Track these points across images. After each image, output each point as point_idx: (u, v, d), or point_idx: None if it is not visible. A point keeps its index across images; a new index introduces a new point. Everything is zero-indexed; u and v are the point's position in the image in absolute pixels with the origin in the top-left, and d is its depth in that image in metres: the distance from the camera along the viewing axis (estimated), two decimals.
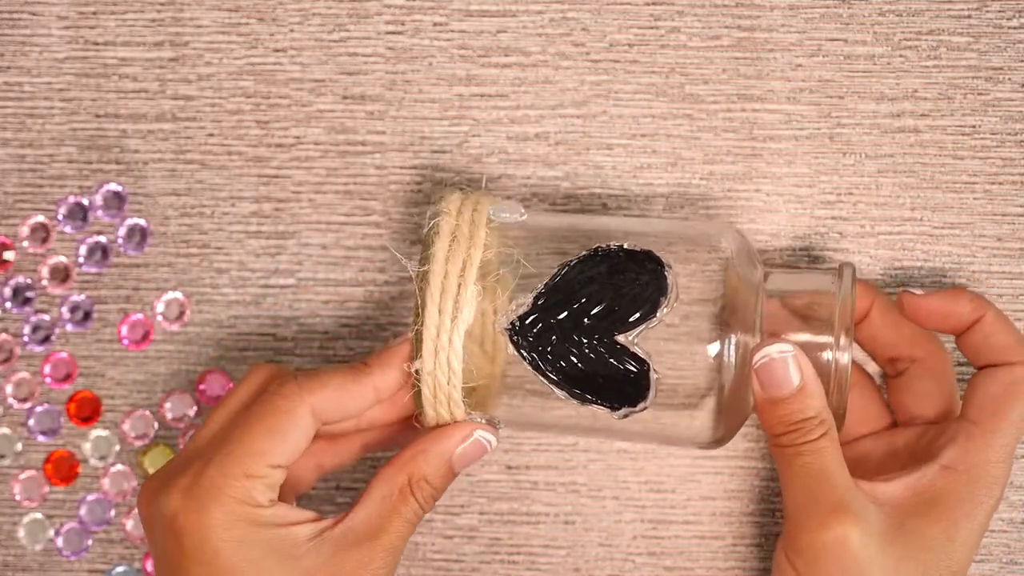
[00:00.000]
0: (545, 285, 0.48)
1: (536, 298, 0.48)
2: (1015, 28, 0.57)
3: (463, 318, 0.48)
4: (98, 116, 0.58)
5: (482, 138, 0.57)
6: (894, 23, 0.57)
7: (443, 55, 0.58)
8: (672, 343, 0.48)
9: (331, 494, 0.58)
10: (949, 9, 0.57)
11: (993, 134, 0.57)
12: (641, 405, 0.48)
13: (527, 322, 0.48)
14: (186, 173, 0.58)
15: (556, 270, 0.48)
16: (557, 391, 0.48)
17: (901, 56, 0.57)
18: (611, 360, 0.47)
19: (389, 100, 0.58)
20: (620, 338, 0.47)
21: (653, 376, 0.47)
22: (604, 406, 0.48)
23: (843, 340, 0.48)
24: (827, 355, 0.48)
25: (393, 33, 0.58)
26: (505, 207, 0.50)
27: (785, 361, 0.47)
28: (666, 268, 0.47)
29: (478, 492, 0.57)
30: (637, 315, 0.47)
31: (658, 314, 0.47)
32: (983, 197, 0.57)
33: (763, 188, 0.57)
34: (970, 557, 0.49)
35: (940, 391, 0.53)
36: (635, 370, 0.47)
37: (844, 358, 0.48)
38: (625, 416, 0.48)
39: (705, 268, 0.49)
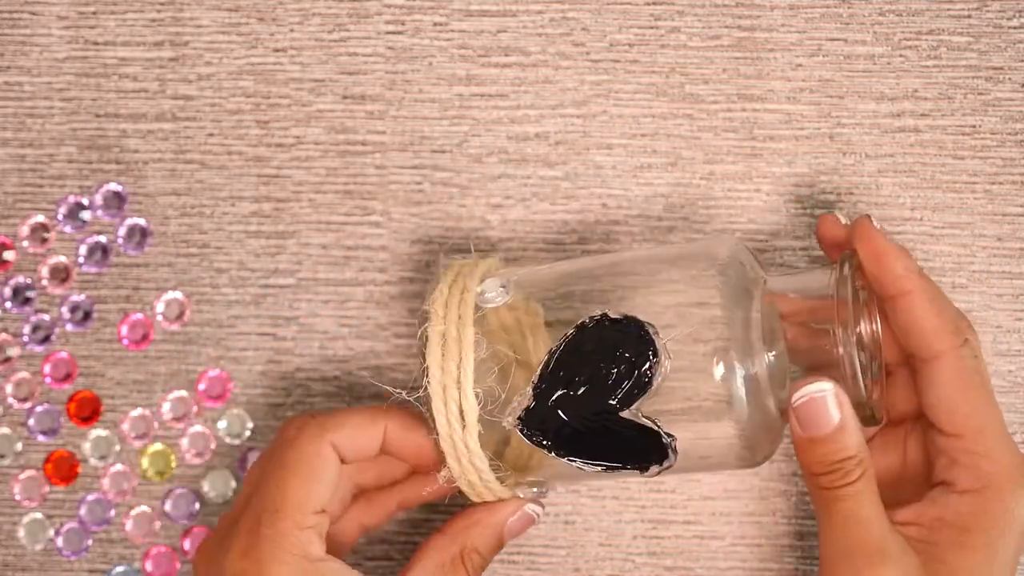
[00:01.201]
0: (539, 373, 0.48)
1: (534, 388, 0.48)
2: (1015, 28, 0.57)
3: (471, 421, 0.48)
4: (98, 116, 0.58)
5: (482, 138, 0.57)
6: (894, 23, 0.57)
7: (443, 55, 0.58)
8: (681, 372, 0.48)
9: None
10: (949, 9, 0.57)
11: (993, 134, 0.57)
12: (667, 463, 0.47)
13: (532, 413, 0.48)
14: (186, 173, 0.58)
15: (547, 355, 0.47)
16: (585, 467, 0.48)
17: (901, 56, 0.57)
18: (623, 432, 0.47)
19: (389, 100, 0.58)
20: (625, 413, 0.47)
21: (666, 440, 0.47)
22: (634, 470, 0.48)
23: (841, 334, 0.47)
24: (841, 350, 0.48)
25: (393, 33, 0.58)
26: (490, 288, 0.49)
27: (824, 400, 0.47)
28: (651, 332, 0.46)
29: None
30: (631, 390, 0.47)
31: (653, 385, 0.46)
32: (983, 197, 0.57)
33: (763, 188, 0.57)
34: (1014, 571, 0.49)
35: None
36: (648, 437, 0.47)
37: (851, 351, 0.47)
38: (657, 474, 0.48)
39: (702, 287, 0.49)
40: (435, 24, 0.58)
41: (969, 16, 0.57)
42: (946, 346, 0.49)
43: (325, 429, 0.49)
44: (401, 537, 0.57)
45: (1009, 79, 0.57)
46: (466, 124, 0.58)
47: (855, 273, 0.49)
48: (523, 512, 0.51)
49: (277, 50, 0.58)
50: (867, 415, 0.48)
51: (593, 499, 0.57)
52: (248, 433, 0.57)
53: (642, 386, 0.46)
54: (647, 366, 0.46)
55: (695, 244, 0.53)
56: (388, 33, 0.58)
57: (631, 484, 0.57)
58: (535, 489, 0.51)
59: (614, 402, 0.46)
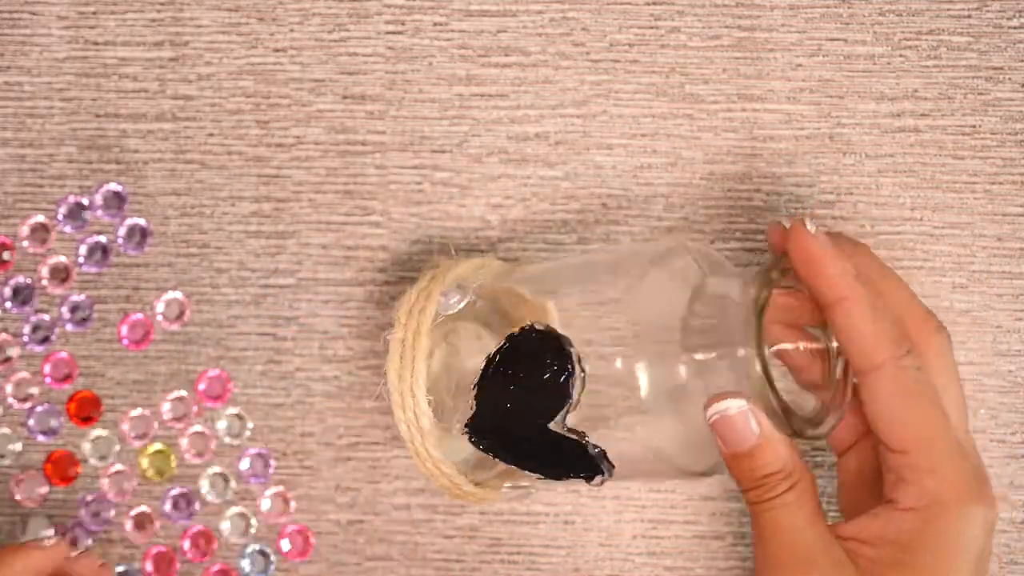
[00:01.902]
0: (478, 381, 0.48)
1: (475, 398, 0.48)
2: (1015, 28, 0.57)
3: (425, 427, 0.49)
4: (98, 116, 0.58)
5: (482, 138, 0.57)
6: (894, 23, 0.57)
7: (443, 55, 0.58)
8: (603, 379, 0.48)
9: (331, 494, 0.58)
10: (949, 9, 0.57)
11: (993, 134, 0.57)
12: (603, 476, 0.47)
13: (476, 422, 0.48)
14: (186, 173, 0.58)
15: (484, 362, 0.48)
16: (533, 474, 0.48)
17: (901, 56, 0.57)
18: (560, 442, 0.47)
19: (389, 100, 0.58)
20: (552, 425, 0.47)
21: (592, 451, 0.46)
22: (581, 478, 0.47)
23: (743, 352, 0.45)
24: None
25: (393, 33, 0.58)
26: (452, 294, 0.50)
27: (741, 415, 0.45)
28: (567, 344, 0.46)
29: None
30: (551, 403, 0.46)
31: (572, 398, 0.46)
32: (983, 197, 0.57)
33: (763, 188, 0.57)
34: None
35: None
36: (579, 450, 0.47)
37: (755, 367, 0.45)
38: (601, 484, 0.47)
39: (633, 287, 0.49)
40: (435, 24, 0.58)
41: (969, 16, 0.57)
42: (885, 356, 0.45)
43: None
44: (401, 537, 0.57)
45: (1009, 79, 0.57)
46: (466, 124, 0.58)
47: (780, 279, 0.47)
48: None
49: (277, 50, 0.58)
50: (792, 430, 0.46)
51: (593, 499, 0.57)
52: (248, 433, 0.57)
53: (561, 399, 0.46)
54: (563, 378, 0.46)
55: (646, 244, 0.53)
56: (388, 33, 0.58)
57: (631, 484, 0.57)
58: (522, 487, 0.51)
59: (539, 414, 0.47)
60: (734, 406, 0.45)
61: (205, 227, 0.58)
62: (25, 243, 0.58)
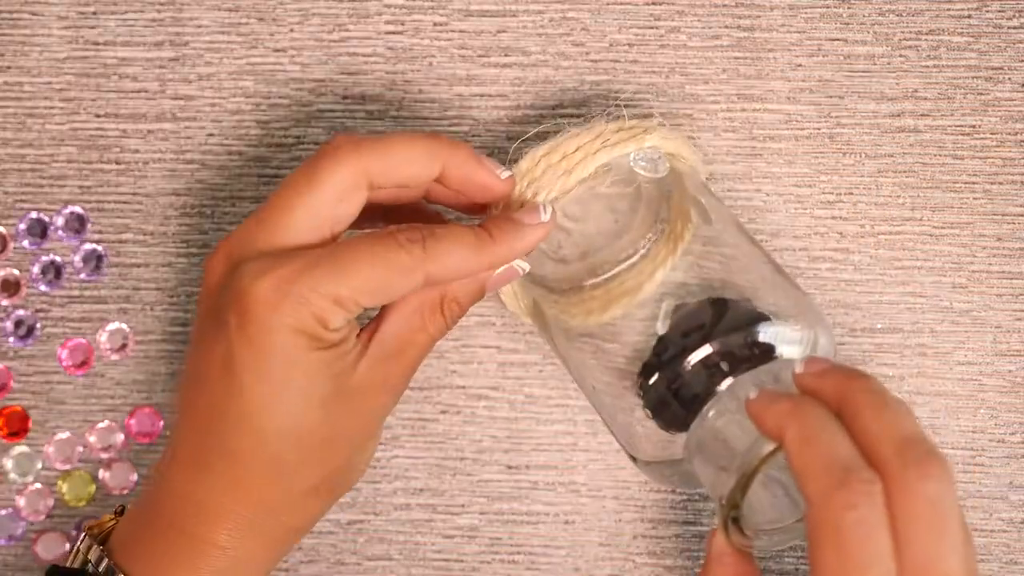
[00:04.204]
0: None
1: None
2: (1015, 28, 0.57)
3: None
4: (98, 116, 0.58)
5: (482, 138, 0.57)
6: (894, 23, 0.57)
7: (443, 55, 0.58)
8: None
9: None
10: (949, 9, 0.57)
11: (993, 134, 0.57)
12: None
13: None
14: (186, 173, 0.58)
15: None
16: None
17: (901, 56, 0.57)
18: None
19: (389, 100, 0.58)
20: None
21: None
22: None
23: (716, 507, 0.46)
24: None
25: (393, 33, 0.58)
26: (651, 156, 0.51)
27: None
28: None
29: (478, 492, 0.57)
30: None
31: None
32: (983, 197, 0.57)
33: (763, 188, 0.57)
34: None
35: None
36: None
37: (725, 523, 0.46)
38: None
39: None
40: (435, 24, 0.58)
41: (969, 16, 0.57)
42: (810, 492, 0.41)
43: (428, 255, 0.47)
44: (401, 537, 0.57)
45: (1009, 79, 0.57)
46: (466, 124, 0.58)
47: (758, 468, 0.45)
48: (510, 266, 0.49)
49: (277, 50, 0.58)
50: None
51: (593, 499, 0.57)
52: None
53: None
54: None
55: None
56: (388, 33, 0.58)
57: (631, 484, 0.57)
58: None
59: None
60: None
61: (205, 227, 0.58)
62: None
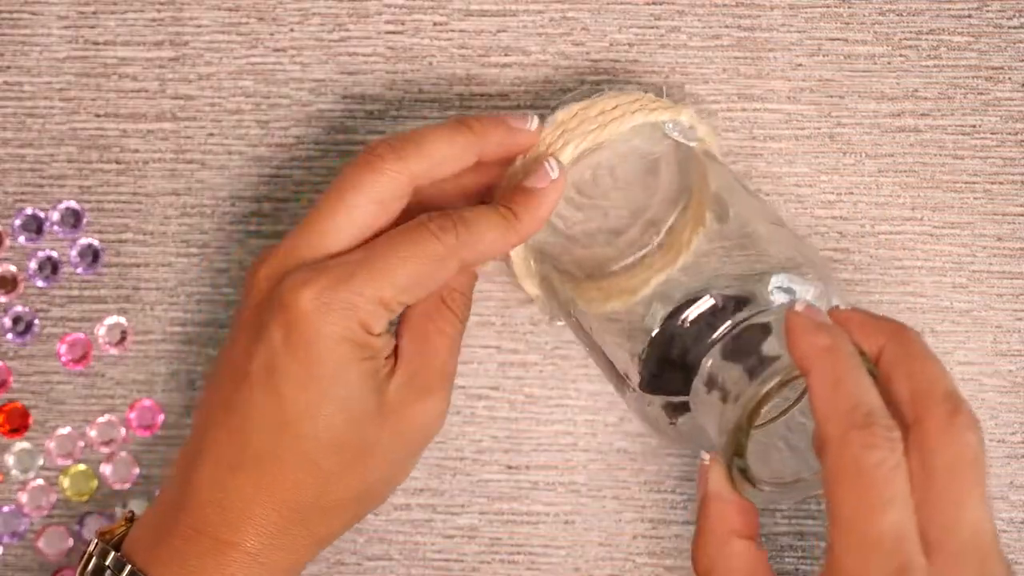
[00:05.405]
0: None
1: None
2: (1015, 28, 0.57)
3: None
4: (98, 116, 0.58)
5: None
6: (894, 23, 0.57)
7: (443, 55, 0.58)
8: None
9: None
10: (949, 9, 0.57)
11: (993, 134, 0.57)
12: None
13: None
14: (186, 173, 0.58)
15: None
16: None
17: (901, 56, 0.57)
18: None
19: (389, 100, 0.58)
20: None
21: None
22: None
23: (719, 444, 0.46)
24: None
25: (393, 33, 0.58)
26: (684, 126, 0.51)
27: (708, 468, 0.46)
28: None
29: (478, 492, 0.57)
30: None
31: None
32: (983, 197, 0.57)
33: (763, 188, 0.57)
34: None
35: None
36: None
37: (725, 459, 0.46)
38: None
39: None
40: (435, 24, 0.58)
41: (969, 16, 0.57)
42: (832, 432, 0.41)
43: (460, 241, 0.47)
44: (401, 537, 0.57)
45: (1009, 79, 0.57)
46: None
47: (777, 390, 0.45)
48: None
49: (277, 50, 0.58)
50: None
51: (593, 499, 0.57)
52: None
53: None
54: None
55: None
56: (388, 33, 0.58)
57: (631, 484, 0.57)
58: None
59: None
60: (705, 457, 0.46)
61: (205, 227, 0.58)
62: None
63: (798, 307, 0.44)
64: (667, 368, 0.48)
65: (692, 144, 0.51)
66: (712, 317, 0.47)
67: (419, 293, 0.48)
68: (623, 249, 0.49)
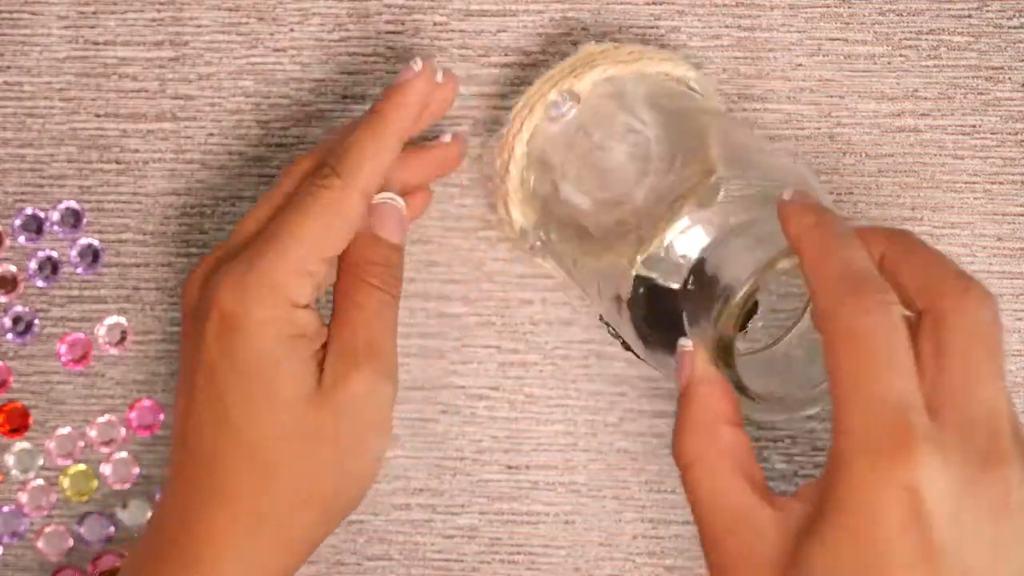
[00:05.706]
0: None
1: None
2: (1015, 28, 0.57)
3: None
4: (98, 116, 0.58)
5: (482, 138, 0.57)
6: (894, 23, 0.57)
7: (443, 55, 0.58)
8: None
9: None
10: (949, 9, 0.57)
11: (993, 134, 0.57)
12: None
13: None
14: (186, 173, 0.58)
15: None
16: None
17: (901, 56, 0.57)
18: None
19: None
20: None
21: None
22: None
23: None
24: None
25: (393, 33, 0.58)
26: (562, 104, 0.52)
27: (687, 356, 0.45)
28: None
29: (478, 492, 0.57)
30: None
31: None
32: (983, 197, 0.57)
33: None
34: None
35: None
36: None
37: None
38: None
39: None
40: (435, 24, 0.58)
41: (969, 16, 0.57)
42: (823, 304, 0.40)
43: (350, 183, 0.48)
44: (400, 537, 0.57)
45: (1009, 79, 0.57)
46: (466, 124, 0.58)
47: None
48: (386, 203, 0.50)
49: (277, 50, 0.58)
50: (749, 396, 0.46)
51: (593, 499, 0.57)
52: None
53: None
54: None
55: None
56: (388, 33, 0.58)
57: (631, 484, 0.57)
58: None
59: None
60: (687, 343, 0.45)
61: (205, 227, 0.58)
62: None
63: (786, 195, 0.44)
64: (656, 296, 0.47)
65: (555, 117, 0.52)
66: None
67: (336, 244, 0.48)
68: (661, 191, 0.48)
